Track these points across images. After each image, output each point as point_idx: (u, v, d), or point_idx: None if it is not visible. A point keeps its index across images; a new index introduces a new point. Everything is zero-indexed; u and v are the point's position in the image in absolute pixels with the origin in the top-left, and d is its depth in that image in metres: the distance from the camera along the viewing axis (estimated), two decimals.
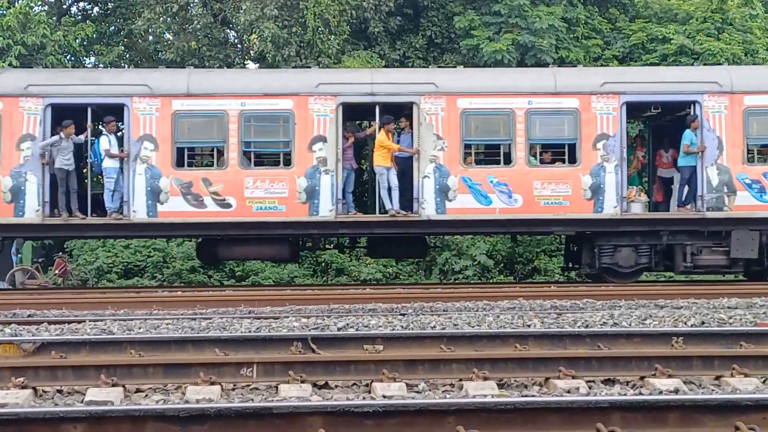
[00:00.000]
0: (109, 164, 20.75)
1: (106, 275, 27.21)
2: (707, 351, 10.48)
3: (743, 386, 9.05)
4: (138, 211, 20.57)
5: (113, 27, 33.99)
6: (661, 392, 8.54)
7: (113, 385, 9.08)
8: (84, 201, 20.96)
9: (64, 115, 20.77)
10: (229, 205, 20.59)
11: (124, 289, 23.15)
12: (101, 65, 31.50)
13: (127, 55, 33.37)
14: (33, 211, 20.47)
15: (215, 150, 21.10)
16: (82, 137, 20.99)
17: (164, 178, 20.58)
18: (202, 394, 8.79)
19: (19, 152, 20.53)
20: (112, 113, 21.10)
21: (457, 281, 26.67)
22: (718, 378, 9.63)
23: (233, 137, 20.66)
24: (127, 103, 20.74)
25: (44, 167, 20.57)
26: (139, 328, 12.92)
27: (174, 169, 20.63)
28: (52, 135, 20.58)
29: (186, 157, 20.92)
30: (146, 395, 9.25)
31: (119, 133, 21.55)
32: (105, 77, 22.26)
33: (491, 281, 26.78)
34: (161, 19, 30.85)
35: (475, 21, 30.07)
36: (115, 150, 20.82)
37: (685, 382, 9.35)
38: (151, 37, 33.31)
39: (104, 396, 8.68)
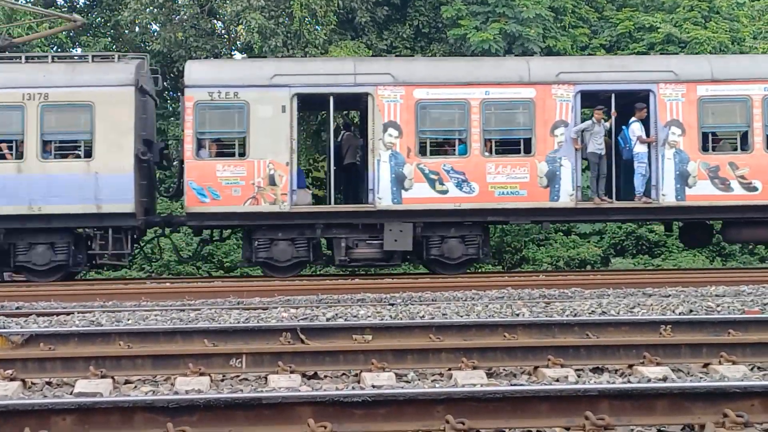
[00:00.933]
0: (640, 149, 21.33)
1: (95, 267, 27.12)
2: (695, 339, 10.51)
3: (731, 373, 9.09)
4: (667, 195, 21.18)
5: (100, 18, 33.89)
6: (649, 380, 8.56)
7: (102, 377, 9.07)
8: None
9: (590, 102, 21.84)
10: (755, 189, 21.26)
11: (113, 281, 23.10)
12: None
13: (114, 47, 33.25)
14: (567, 196, 21.13)
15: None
16: (607, 124, 21.81)
17: (692, 163, 21.17)
18: (192, 385, 8.79)
19: (553, 138, 21.14)
20: (636, 99, 21.59)
21: None
22: (706, 365, 9.66)
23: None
24: (653, 89, 21.30)
25: (577, 152, 21.23)
26: (128, 320, 12.91)
27: (701, 154, 21.26)
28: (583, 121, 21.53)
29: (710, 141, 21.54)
30: (135, 386, 9.25)
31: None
32: (631, 63, 22.75)
33: (480, 271, 26.79)
34: (147, 9, 30.74)
35: (462, 10, 30.03)
36: (644, 135, 21.39)
37: (673, 370, 9.39)
38: (137, 28, 33.19)
39: (93, 387, 8.67)
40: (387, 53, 30.62)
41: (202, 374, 9.20)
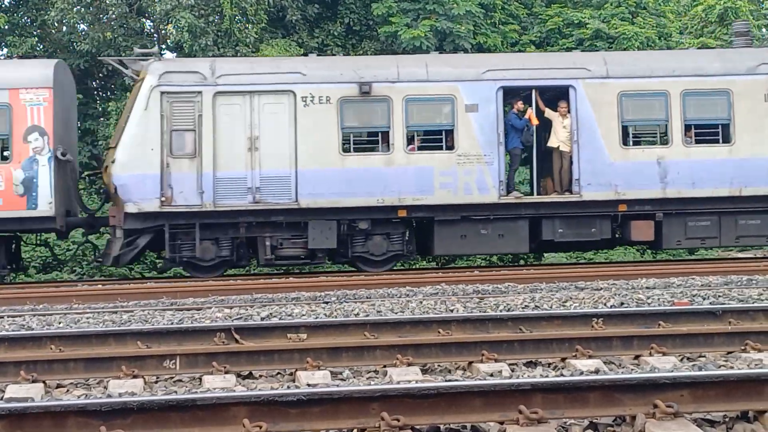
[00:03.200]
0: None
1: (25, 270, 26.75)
2: (626, 331, 10.64)
3: (661, 365, 9.22)
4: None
5: (26, 18, 33.38)
6: (582, 373, 8.66)
7: (33, 381, 8.97)
8: None
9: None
10: None
11: (43, 284, 22.79)
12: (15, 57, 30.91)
13: (41, 46, 32.79)
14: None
15: None
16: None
17: None
18: (125, 388, 8.72)
19: None
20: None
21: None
22: (637, 357, 9.80)
23: None
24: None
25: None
26: (59, 323, 12.77)
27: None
28: None
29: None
30: (68, 390, 9.15)
31: None
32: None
33: (414, 267, 26.85)
34: (75, 9, 30.36)
35: (393, 8, 30.09)
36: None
37: (605, 363, 9.50)
38: (65, 28, 32.77)
39: (24, 392, 8.56)
40: (319, 52, 30.58)
41: (135, 376, 9.13)
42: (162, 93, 20.74)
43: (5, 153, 20.77)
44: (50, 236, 24.98)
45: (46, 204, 20.68)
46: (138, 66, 21.62)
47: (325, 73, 21.25)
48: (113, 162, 20.69)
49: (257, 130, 20.76)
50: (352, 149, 21.04)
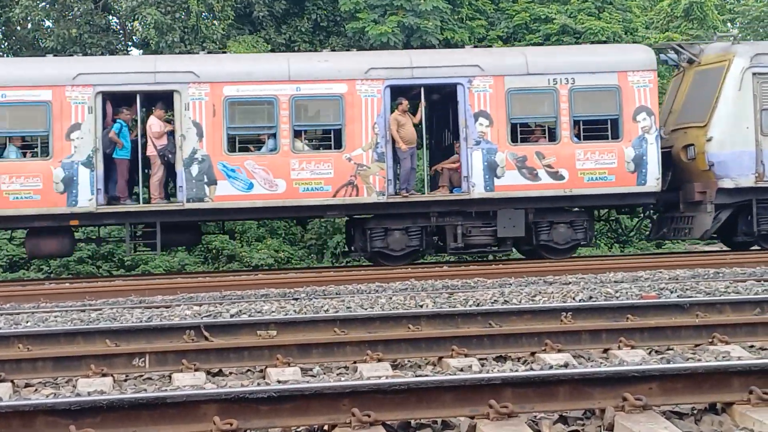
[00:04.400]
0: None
1: None
2: (595, 325, 10.68)
3: (630, 358, 9.28)
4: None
5: None
6: (551, 367, 8.69)
7: (1, 381, 8.90)
8: None
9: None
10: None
11: (10, 283, 22.64)
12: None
13: (6, 44, 32.54)
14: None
15: None
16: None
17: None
18: (94, 387, 8.67)
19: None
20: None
21: (349, 264, 26.71)
22: (606, 351, 9.85)
23: None
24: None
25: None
26: (27, 322, 12.68)
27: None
28: None
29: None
30: (36, 390, 9.08)
31: None
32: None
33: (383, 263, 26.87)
34: (40, 6, 30.14)
35: (360, 4, 30.09)
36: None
37: (574, 356, 9.54)
38: (30, 25, 32.52)
39: None
40: (286, 48, 30.54)
41: (104, 375, 9.08)
42: (753, 74, 21.91)
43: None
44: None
45: (653, 180, 21.68)
46: (695, 50, 23.17)
47: None
48: (709, 140, 21.80)
49: None
50: None
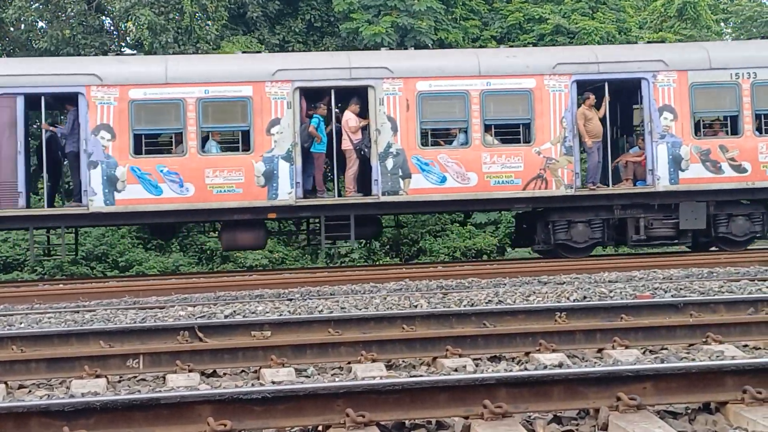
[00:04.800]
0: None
1: None
2: (589, 325, 10.69)
3: (624, 358, 9.28)
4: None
5: None
6: (545, 367, 8.69)
7: None
8: None
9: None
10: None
11: (4, 284, 22.61)
12: None
13: None
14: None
15: None
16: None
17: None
18: (88, 388, 8.65)
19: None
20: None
21: (343, 264, 26.73)
22: (600, 351, 9.86)
23: None
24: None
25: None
26: (21, 323, 12.67)
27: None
28: None
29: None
30: (30, 391, 9.07)
31: None
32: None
33: (378, 263, 26.90)
34: (33, 7, 30.10)
35: (354, 4, 30.10)
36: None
37: (569, 356, 9.55)
38: (23, 26, 32.47)
39: None
40: (281, 48, 30.54)
41: (98, 376, 9.06)
42: None
43: None
44: None
45: None
46: None
47: None
48: None
49: None
50: None
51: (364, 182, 21.42)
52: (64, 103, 21.23)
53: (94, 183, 20.27)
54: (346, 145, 21.38)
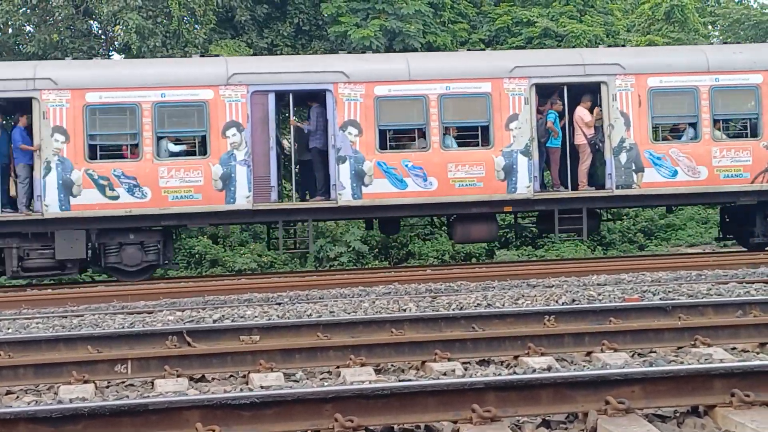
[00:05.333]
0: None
1: None
2: (578, 328, 10.71)
3: (613, 361, 9.30)
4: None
5: None
6: (534, 370, 8.69)
7: None
8: None
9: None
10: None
11: None
12: None
13: None
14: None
15: None
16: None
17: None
18: (76, 393, 8.63)
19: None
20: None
21: (332, 268, 26.69)
22: (589, 354, 9.87)
23: None
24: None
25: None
26: (8, 329, 12.61)
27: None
28: None
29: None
30: (17, 397, 9.04)
31: None
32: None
33: (366, 267, 26.87)
34: (20, 11, 30.03)
35: (342, 7, 30.10)
36: None
37: (557, 360, 9.56)
38: (11, 30, 32.38)
39: None
40: (269, 52, 30.51)
41: (86, 382, 9.05)
42: None
43: None
44: None
45: None
46: None
47: None
48: None
49: None
50: None
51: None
52: (308, 100, 21.76)
53: (342, 177, 20.87)
54: (579, 139, 21.96)
